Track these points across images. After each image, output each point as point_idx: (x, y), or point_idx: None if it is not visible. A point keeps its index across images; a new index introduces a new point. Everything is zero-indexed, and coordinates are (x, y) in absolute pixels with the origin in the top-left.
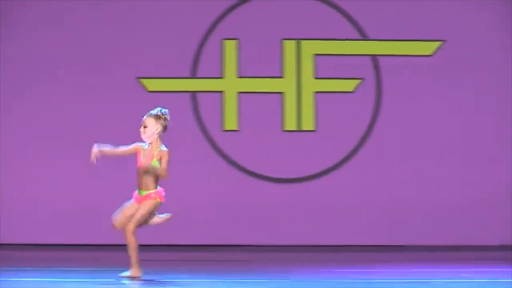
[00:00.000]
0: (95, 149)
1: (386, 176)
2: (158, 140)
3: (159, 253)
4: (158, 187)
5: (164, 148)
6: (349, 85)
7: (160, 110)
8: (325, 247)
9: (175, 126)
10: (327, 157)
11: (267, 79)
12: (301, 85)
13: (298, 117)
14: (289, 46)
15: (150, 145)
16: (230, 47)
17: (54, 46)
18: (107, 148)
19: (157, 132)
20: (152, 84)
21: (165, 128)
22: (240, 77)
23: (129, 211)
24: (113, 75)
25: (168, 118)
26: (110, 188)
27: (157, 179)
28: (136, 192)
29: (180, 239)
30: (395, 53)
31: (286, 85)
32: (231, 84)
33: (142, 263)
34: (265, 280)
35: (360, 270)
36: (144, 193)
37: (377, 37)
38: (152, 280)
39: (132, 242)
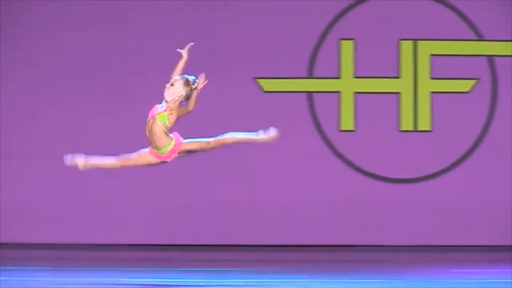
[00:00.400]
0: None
1: (502, 176)
2: (176, 105)
3: (276, 253)
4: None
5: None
6: (465, 85)
7: (193, 79)
8: (441, 247)
9: (292, 126)
10: (443, 157)
11: (384, 79)
12: (418, 85)
13: (414, 117)
14: (406, 47)
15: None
16: (347, 47)
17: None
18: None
19: (179, 95)
20: (268, 84)
21: (187, 97)
22: (357, 77)
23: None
24: (229, 75)
25: (195, 86)
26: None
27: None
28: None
29: (295, 239)
30: (511, 54)
31: (402, 85)
32: (347, 84)
33: (262, 264)
34: (379, 280)
35: (475, 271)
36: (166, 149)
37: (493, 38)
38: (273, 281)
39: None
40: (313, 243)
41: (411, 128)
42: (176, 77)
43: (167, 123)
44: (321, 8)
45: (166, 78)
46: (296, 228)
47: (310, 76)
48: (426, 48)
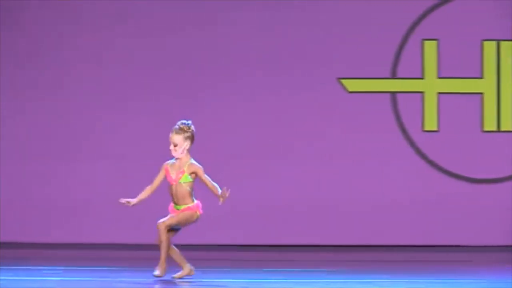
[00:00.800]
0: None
1: None
2: (188, 154)
3: (354, 253)
4: (195, 200)
5: (194, 162)
6: None
7: (183, 123)
8: None
9: (375, 126)
10: None
11: (467, 79)
12: (501, 86)
13: (497, 117)
14: (489, 47)
15: (178, 159)
16: (431, 47)
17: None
18: (139, 197)
19: (187, 147)
20: (352, 85)
21: (192, 139)
22: (440, 78)
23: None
24: (313, 75)
25: (193, 128)
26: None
27: (192, 193)
28: (172, 206)
29: (378, 239)
30: None
31: (486, 85)
32: (431, 85)
33: (346, 263)
34: (469, 280)
35: None
36: (182, 207)
37: None
38: (355, 281)
39: (164, 240)
40: (396, 243)
41: (494, 129)
42: (171, 135)
43: (191, 180)
44: (404, 9)
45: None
46: (379, 228)
47: (393, 76)
48: (509, 48)
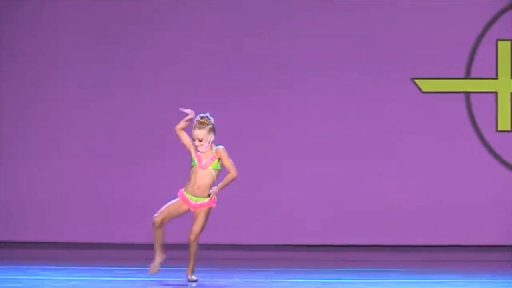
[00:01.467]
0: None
1: None
2: (213, 146)
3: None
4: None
5: (216, 146)
6: None
7: (202, 117)
8: None
9: (449, 126)
10: None
11: None
12: None
13: None
14: None
15: (203, 153)
16: (504, 47)
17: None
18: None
19: (212, 139)
20: (426, 85)
21: (215, 130)
22: None
23: (176, 211)
24: (387, 76)
25: (212, 119)
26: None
27: (212, 185)
28: (183, 193)
29: (452, 239)
30: None
31: None
32: (504, 85)
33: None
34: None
35: None
36: (199, 201)
37: None
38: (420, 281)
39: (195, 251)
40: (468, 244)
41: None
42: (194, 131)
43: (219, 168)
44: (479, 9)
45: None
46: (452, 228)
47: (467, 76)
48: None
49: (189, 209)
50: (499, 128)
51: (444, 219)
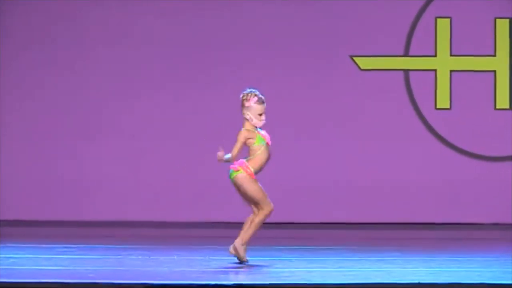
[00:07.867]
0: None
1: None
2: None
3: (366, 231)
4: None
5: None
6: None
7: (248, 91)
8: None
9: (388, 104)
10: None
11: (480, 57)
12: None
13: (510, 95)
14: (502, 25)
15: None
16: (443, 25)
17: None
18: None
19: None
20: (365, 62)
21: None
22: (453, 56)
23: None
24: (325, 53)
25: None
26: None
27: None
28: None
29: (396, 217)
30: None
31: (498, 63)
32: (444, 63)
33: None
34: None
35: None
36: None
37: None
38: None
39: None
40: (413, 221)
41: (507, 107)
42: (264, 105)
43: None
44: None
45: None
46: (391, 206)
47: (406, 54)
48: None
49: None
50: (438, 106)
51: (383, 196)
